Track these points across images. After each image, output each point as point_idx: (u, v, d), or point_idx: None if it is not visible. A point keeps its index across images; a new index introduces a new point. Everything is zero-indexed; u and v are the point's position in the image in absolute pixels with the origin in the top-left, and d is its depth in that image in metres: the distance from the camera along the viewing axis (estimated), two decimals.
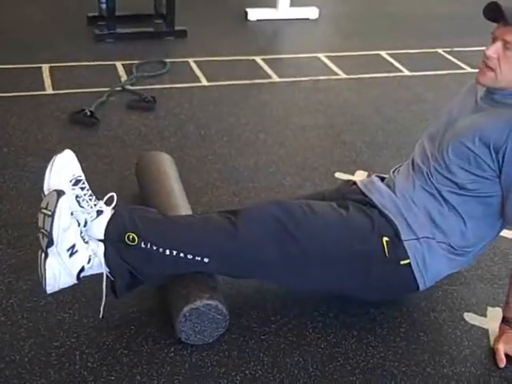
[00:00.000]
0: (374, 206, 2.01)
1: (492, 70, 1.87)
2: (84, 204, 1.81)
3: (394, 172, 2.16)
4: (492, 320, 2.10)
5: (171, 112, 3.40)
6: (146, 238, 1.85)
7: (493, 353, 1.97)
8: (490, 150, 1.86)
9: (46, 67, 3.80)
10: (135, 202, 2.55)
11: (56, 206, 1.68)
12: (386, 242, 1.92)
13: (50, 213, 1.69)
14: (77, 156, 1.86)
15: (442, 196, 1.96)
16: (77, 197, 1.80)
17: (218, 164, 2.91)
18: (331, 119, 3.45)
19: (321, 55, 4.34)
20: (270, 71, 4.01)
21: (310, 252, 1.90)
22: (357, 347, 1.96)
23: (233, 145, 3.10)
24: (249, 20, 4.98)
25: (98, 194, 1.80)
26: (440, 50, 4.58)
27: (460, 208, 1.96)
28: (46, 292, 1.80)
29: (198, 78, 3.85)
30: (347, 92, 3.83)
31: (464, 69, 4.29)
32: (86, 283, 2.06)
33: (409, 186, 2.01)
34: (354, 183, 2.20)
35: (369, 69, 4.17)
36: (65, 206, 1.71)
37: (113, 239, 1.85)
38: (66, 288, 1.83)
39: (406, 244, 1.93)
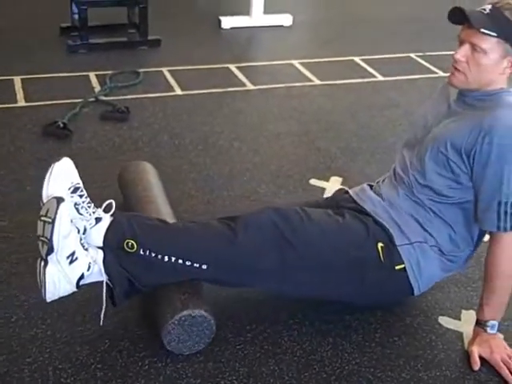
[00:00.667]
0: (367, 214, 2.05)
1: (462, 72, 1.89)
2: (83, 211, 1.82)
3: (379, 182, 2.19)
4: (466, 323, 2.12)
5: (145, 122, 3.39)
6: (145, 244, 1.86)
7: (467, 356, 1.98)
8: (461, 154, 1.88)
9: (17, 79, 3.77)
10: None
11: (56, 212, 1.70)
12: (381, 247, 1.96)
13: (50, 220, 1.70)
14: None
15: (424, 204, 2.00)
16: (75, 204, 1.81)
17: (193, 173, 2.91)
18: (305, 126, 3.46)
19: (295, 62, 4.36)
20: (244, 79, 4.01)
21: (307, 258, 1.92)
22: (332, 354, 1.96)
23: (207, 153, 3.10)
24: (223, 28, 4.98)
25: None
26: (412, 55, 4.62)
27: (443, 214, 2.00)
28: (45, 300, 1.81)
29: (171, 87, 3.84)
30: (321, 98, 3.84)
31: (436, 73, 4.33)
32: (56, 299, 2.04)
33: (394, 195, 2.06)
34: (347, 192, 2.24)
35: (342, 75, 4.19)
36: (65, 212, 1.72)
37: (112, 246, 1.86)
38: (65, 296, 1.84)
39: (400, 249, 1.97)
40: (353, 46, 4.74)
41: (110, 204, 1.90)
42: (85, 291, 2.10)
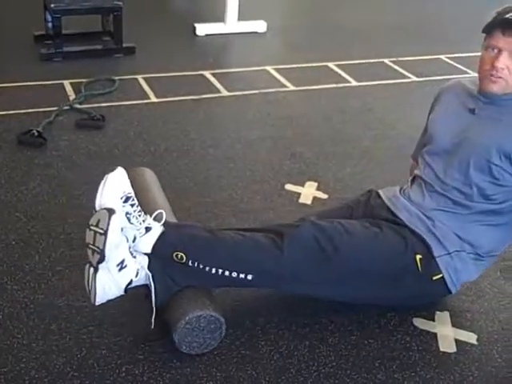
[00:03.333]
0: (403, 225, 2.08)
1: (503, 78, 1.97)
2: (134, 220, 1.87)
3: (405, 189, 2.22)
4: (440, 324, 2.15)
5: (120, 130, 3.39)
6: (194, 256, 1.92)
7: (442, 356, 2.01)
8: (510, 158, 1.96)
9: None
10: (86, 221, 2.54)
11: (109, 224, 1.76)
12: (420, 259, 2.01)
13: (102, 231, 1.76)
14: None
15: (463, 213, 2.06)
16: (127, 213, 1.86)
17: (169, 180, 2.91)
18: (280, 131, 3.48)
19: (269, 68, 4.38)
20: (219, 85, 4.03)
21: (347, 272, 2.00)
22: (309, 357, 1.98)
23: (183, 161, 3.10)
24: (197, 35, 4.99)
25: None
26: (386, 60, 4.67)
27: (482, 219, 2.05)
28: (94, 304, 1.87)
29: (146, 94, 3.84)
30: (296, 104, 3.87)
31: (409, 78, 4.37)
32: (31, 308, 2.05)
33: (429, 206, 2.10)
34: (379, 195, 2.26)
35: (317, 80, 4.22)
36: (116, 224, 1.78)
37: (160, 256, 1.92)
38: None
39: (438, 260, 2.02)
40: (327, 52, 4.77)
41: (161, 213, 1.95)
42: (59, 300, 2.11)
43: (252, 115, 3.67)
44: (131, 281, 1.87)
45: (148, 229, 1.90)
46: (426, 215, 2.08)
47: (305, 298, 2.18)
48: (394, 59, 4.68)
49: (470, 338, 2.11)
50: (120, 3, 4.35)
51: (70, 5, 4.26)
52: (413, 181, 2.24)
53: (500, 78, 1.98)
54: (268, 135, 3.43)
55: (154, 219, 1.95)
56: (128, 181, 1.90)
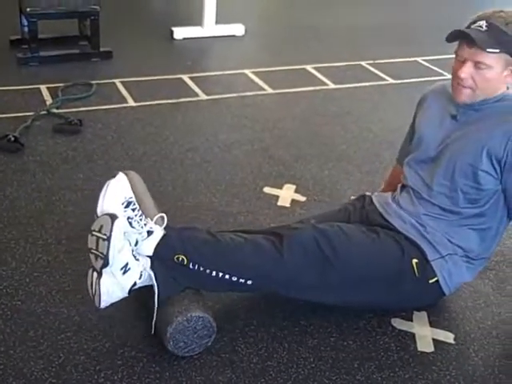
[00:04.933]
0: (398, 231, 2.12)
1: (469, 87, 2.00)
2: (135, 224, 1.89)
3: (395, 196, 2.25)
4: (418, 324, 2.17)
5: (98, 134, 3.37)
6: (195, 260, 1.94)
7: (420, 356, 2.03)
8: (492, 161, 1.99)
9: None
10: (64, 226, 2.53)
11: (112, 230, 1.78)
12: (416, 263, 2.05)
13: (105, 236, 1.79)
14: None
15: (451, 218, 2.09)
16: (128, 218, 1.88)
17: (147, 185, 2.85)
18: (259, 135, 3.49)
19: (247, 71, 4.39)
20: (197, 89, 4.02)
21: (346, 276, 2.03)
22: (288, 360, 1.99)
23: (161, 164, 3.10)
24: (175, 39, 4.98)
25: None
26: (363, 63, 4.70)
27: (469, 223, 2.09)
28: (99, 307, 1.89)
29: (124, 98, 3.83)
30: (274, 107, 3.88)
31: (386, 80, 4.41)
32: (8, 315, 2.03)
33: (419, 213, 2.13)
34: (371, 200, 2.29)
35: (295, 83, 4.23)
36: (119, 229, 1.81)
37: (162, 258, 1.93)
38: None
39: (433, 264, 2.07)
40: (305, 55, 4.79)
41: (162, 217, 1.97)
42: (35, 306, 2.10)
43: (230, 119, 3.67)
44: (135, 283, 1.89)
45: (150, 232, 1.93)
46: (417, 222, 2.12)
47: (284, 300, 2.19)
48: (372, 62, 4.71)
49: (448, 337, 2.13)
50: (97, 7, 4.34)
51: (46, 9, 4.23)
52: (402, 188, 2.26)
53: (465, 87, 2.00)
54: (246, 138, 3.44)
55: (155, 223, 1.97)
56: (129, 186, 1.92)
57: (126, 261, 1.85)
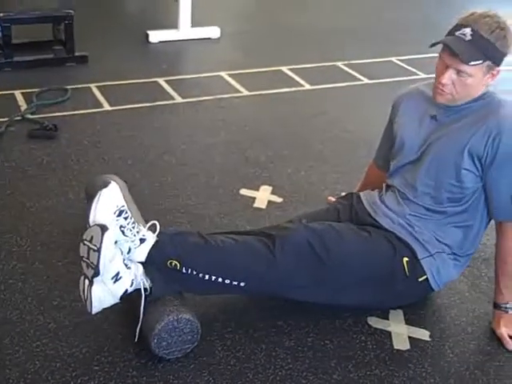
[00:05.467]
0: (388, 230, 2.14)
1: (449, 93, 2.03)
2: (128, 233, 1.90)
3: (382, 195, 2.27)
4: (394, 322, 2.18)
5: (74, 139, 3.35)
6: (188, 264, 1.95)
7: (396, 354, 2.04)
8: (473, 159, 2.02)
9: None
10: (39, 233, 2.51)
11: (102, 241, 1.79)
12: (407, 262, 2.08)
13: (95, 248, 1.80)
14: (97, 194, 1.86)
15: (436, 218, 2.13)
16: (121, 227, 1.88)
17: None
18: (235, 136, 3.50)
19: (223, 74, 4.39)
20: (172, 92, 4.02)
21: (341, 277, 2.06)
22: (265, 361, 1.99)
23: (137, 168, 3.09)
24: (150, 42, 4.97)
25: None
26: (338, 63, 4.72)
27: (454, 221, 2.12)
28: (90, 312, 1.89)
29: (100, 103, 3.82)
30: (250, 108, 3.89)
31: (362, 80, 4.43)
32: None
33: (404, 213, 2.16)
34: (359, 199, 2.31)
35: (271, 85, 4.24)
36: (109, 241, 1.82)
37: (154, 263, 1.94)
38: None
39: (422, 262, 2.09)
40: (280, 57, 4.80)
41: (154, 224, 1.97)
42: (12, 314, 2.09)
43: (206, 121, 3.68)
44: (126, 290, 1.90)
45: (142, 240, 1.93)
46: (405, 222, 2.14)
47: (261, 301, 2.20)
48: (347, 62, 4.73)
49: (423, 334, 2.14)
50: (71, 12, 4.33)
51: (20, 14, 4.22)
52: (387, 188, 2.28)
53: (446, 92, 2.03)
54: (222, 140, 3.44)
55: (148, 229, 1.98)
56: (121, 194, 1.92)
57: (117, 270, 1.86)
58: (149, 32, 5.00)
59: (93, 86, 4.05)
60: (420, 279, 2.10)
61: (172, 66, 4.58)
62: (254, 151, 3.34)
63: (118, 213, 1.88)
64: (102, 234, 1.80)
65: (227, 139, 3.46)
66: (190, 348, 1.97)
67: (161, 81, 4.20)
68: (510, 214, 2.04)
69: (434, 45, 2.03)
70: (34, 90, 3.87)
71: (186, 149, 3.32)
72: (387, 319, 2.19)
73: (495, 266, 2.14)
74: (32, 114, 3.60)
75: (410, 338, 2.12)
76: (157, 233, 1.97)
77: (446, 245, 2.13)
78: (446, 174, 2.07)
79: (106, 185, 1.90)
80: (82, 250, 1.86)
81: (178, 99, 3.94)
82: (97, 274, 1.82)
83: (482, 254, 2.55)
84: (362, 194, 2.34)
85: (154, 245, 1.94)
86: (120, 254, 1.88)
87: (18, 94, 3.85)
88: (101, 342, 2.00)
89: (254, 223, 2.64)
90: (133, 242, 1.91)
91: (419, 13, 6.17)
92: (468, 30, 1.95)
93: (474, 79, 1.99)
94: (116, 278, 1.87)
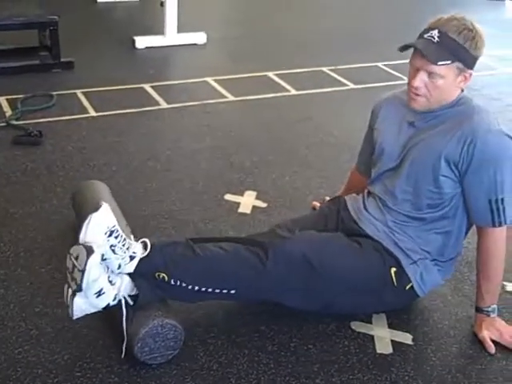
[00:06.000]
0: (374, 239, 2.14)
1: (423, 96, 2.03)
2: (118, 251, 1.89)
3: (364, 201, 2.27)
4: (377, 326, 2.19)
5: (59, 145, 3.35)
6: (177, 277, 1.95)
7: (379, 358, 2.05)
8: (450, 165, 2.02)
9: None
10: (22, 239, 2.51)
11: (86, 264, 1.80)
12: (394, 272, 2.09)
13: (80, 268, 1.81)
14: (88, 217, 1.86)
15: (414, 225, 2.13)
16: (111, 246, 1.88)
17: None
18: (220, 142, 3.50)
19: (209, 79, 4.40)
20: (158, 98, 4.02)
21: (334, 288, 2.06)
22: (248, 366, 1.99)
23: (121, 174, 3.09)
24: (137, 48, 4.98)
25: None
26: (324, 68, 4.74)
27: (434, 227, 2.13)
28: (72, 318, 1.90)
29: (85, 109, 3.81)
30: (236, 114, 3.90)
31: (347, 85, 4.45)
32: None
33: (387, 220, 2.17)
34: (345, 205, 2.30)
35: (256, 90, 4.25)
36: (94, 263, 1.81)
37: (142, 275, 1.94)
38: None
39: (407, 270, 2.10)
40: (266, 62, 4.82)
41: (145, 242, 1.97)
42: None
43: (192, 127, 3.68)
44: (108, 304, 1.90)
45: (132, 257, 1.93)
46: (388, 230, 2.15)
47: (244, 306, 2.20)
48: (333, 67, 4.75)
49: (406, 338, 2.15)
50: (55, 17, 4.33)
51: (4, 20, 4.22)
52: (368, 194, 2.29)
53: (419, 95, 2.04)
54: (208, 146, 3.44)
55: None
56: (112, 215, 1.92)
57: (101, 287, 1.86)
58: (135, 38, 5.01)
59: (78, 91, 4.04)
60: (407, 287, 2.12)
61: (158, 72, 4.58)
62: (238, 156, 3.34)
63: (108, 233, 1.88)
64: (87, 258, 1.80)
65: (212, 144, 3.47)
66: (172, 354, 1.96)
67: (147, 87, 4.20)
68: (487, 218, 2.05)
69: (403, 48, 2.04)
70: (19, 96, 3.86)
71: (170, 154, 3.32)
72: (370, 323, 2.20)
73: (476, 269, 2.15)
74: (17, 120, 3.59)
75: (392, 341, 2.13)
76: (148, 251, 1.95)
77: (427, 252, 2.14)
78: (425, 180, 2.08)
79: (97, 208, 1.89)
80: (68, 263, 1.87)
81: (164, 105, 3.94)
82: (79, 290, 1.83)
83: (464, 257, 2.56)
84: (347, 198, 2.35)
85: (141, 259, 1.94)
86: (105, 273, 1.87)
87: (2, 100, 3.84)
88: (83, 349, 2.00)
89: (238, 228, 2.65)
90: (123, 259, 1.91)
91: (406, 18, 6.20)
92: (435, 32, 1.98)
93: (446, 81, 2.00)
94: (99, 293, 1.86)
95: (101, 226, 1.87)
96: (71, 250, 1.86)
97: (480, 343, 2.13)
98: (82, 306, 1.87)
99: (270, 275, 1.99)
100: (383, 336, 2.15)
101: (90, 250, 1.81)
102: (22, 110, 3.69)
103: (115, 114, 3.76)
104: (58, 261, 2.34)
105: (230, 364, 1.99)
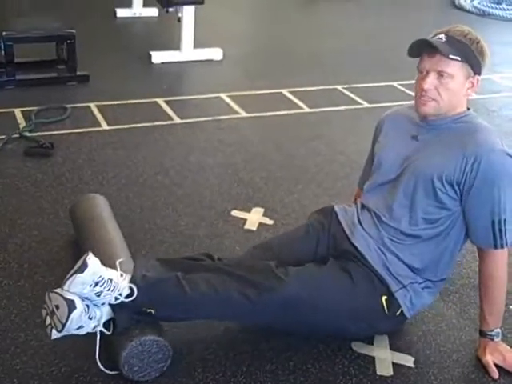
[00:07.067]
0: (364, 262, 2.10)
1: (433, 99, 2.02)
2: (103, 295, 1.89)
3: (358, 214, 2.23)
4: (378, 348, 2.16)
5: (69, 157, 3.37)
6: (163, 313, 1.97)
7: (380, 380, 2.02)
8: (452, 184, 2.01)
9: None
10: (26, 250, 2.52)
11: (67, 320, 1.81)
12: (385, 300, 2.06)
13: (62, 321, 1.82)
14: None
15: (410, 242, 2.10)
16: (96, 293, 1.88)
17: (114, 207, 2.86)
18: (231, 158, 3.50)
19: (223, 95, 4.41)
20: (171, 113, 4.03)
21: (326, 323, 2.07)
22: None
23: (130, 188, 3.09)
24: (153, 63, 5.01)
25: None
26: (339, 87, 4.73)
27: (429, 246, 2.10)
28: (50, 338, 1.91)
29: (98, 122, 3.84)
30: (248, 130, 3.90)
31: (361, 104, 4.44)
32: None
33: (380, 237, 2.13)
34: (338, 220, 2.26)
35: (270, 107, 4.25)
36: (76, 316, 1.82)
37: (127, 310, 1.93)
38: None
39: (397, 295, 2.07)
40: (282, 79, 4.82)
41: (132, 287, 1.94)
42: None
43: (203, 142, 3.68)
44: (88, 333, 1.90)
45: (117, 298, 1.91)
46: (380, 248, 2.12)
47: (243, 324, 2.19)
48: (347, 86, 4.74)
49: (407, 360, 2.12)
50: (73, 31, 4.37)
51: (22, 33, 4.26)
52: (362, 207, 2.24)
53: (430, 99, 2.02)
54: (218, 161, 3.44)
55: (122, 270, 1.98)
56: (100, 267, 1.90)
57: (81, 324, 1.86)
58: (151, 52, 5.04)
59: (92, 105, 4.07)
60: (397, 313, 2.09)
61: (173, 87, 4.61)
62: (248, 172, 3.34)
63: (93, 284, 1.86)
64: (69, 313, 1.81)
65: (222, 160, 3.47)
66: (164, 366, 1.95)
67: (160, 101, 4.22)
68: (489, 240, 2.02)
69: (412, 48, 2.06)
70: (33, 108, 3.90)
71: (180, 169, 3.33)
72: (372, 344, 2.17)
73: (479, 292, 2.12)
74: (30, 132, 3.62)
75: (393, 363, 2.10)
76: (134, 295, 1.91)
77: (419, 272, 2.10)
78: (424, 193, 2.05)
79: (82, 268, 1.85)
80: (48, 304, 1.87)
81: (177, 120, 3.95)
82: (60, 332, 1.85)
83: (471, 280, 2.53)
84: (338, 210, 2.29)
85: (127, 296, 1.92)
86: (86, 313, 1.86)
87: (17, 111, 3.87)
88: (80, 361, 1.99)
89: (243, 245, 2.64)
90: (108, 299, 1.90)
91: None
92: (442, 36, 2.03)
93: (455, 82, 2.00)
94: (79, 328, 1.86)
95: (85, 283, 1.86)
96: (51, 296, 1.86)
97: (483, 368, 2.09)
98: (60, 335, 1.88)
99: (259, 315, 2.01)
100: (384, 357, 2.12)
101: (71, 306, 1.82)
102: (36, 122, 3.73)
103: (127, 128, 3.78)
104: (60, 272, 2.34)
105: (228, 381, 1.98)
